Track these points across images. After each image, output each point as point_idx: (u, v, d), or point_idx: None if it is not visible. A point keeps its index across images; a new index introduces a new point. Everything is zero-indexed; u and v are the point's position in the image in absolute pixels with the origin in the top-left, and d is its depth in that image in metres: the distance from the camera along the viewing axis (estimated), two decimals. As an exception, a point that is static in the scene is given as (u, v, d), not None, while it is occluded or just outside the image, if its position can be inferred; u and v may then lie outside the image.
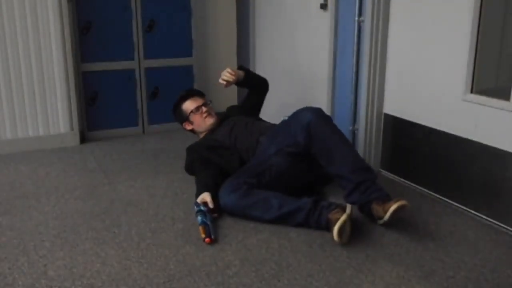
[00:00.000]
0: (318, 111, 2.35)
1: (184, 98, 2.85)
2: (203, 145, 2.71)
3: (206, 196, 2.31)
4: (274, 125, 2.72)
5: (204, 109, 2.81)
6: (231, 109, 3.02)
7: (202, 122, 2.81)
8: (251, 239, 2.09)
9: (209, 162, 2.60)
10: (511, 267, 1.89)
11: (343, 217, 2.00)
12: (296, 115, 2.40)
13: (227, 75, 2.68)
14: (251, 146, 2.58)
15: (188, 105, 2.83)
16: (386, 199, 2.12)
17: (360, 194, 2.16)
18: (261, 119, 2.94)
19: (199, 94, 2.92)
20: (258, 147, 2.56)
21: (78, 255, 1.96)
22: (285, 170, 2.40)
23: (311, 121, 2.28)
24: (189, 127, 2.87)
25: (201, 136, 2.86)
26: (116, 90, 3.66)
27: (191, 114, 2.81)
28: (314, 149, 2.30)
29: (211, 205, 2.27)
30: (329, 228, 2.09)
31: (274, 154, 2.42)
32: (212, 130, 2.80)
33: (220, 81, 2.68)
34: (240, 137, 2.63)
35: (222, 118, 2.85)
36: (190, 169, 2.73)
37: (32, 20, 3.16)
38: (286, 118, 2.51)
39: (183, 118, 2.85)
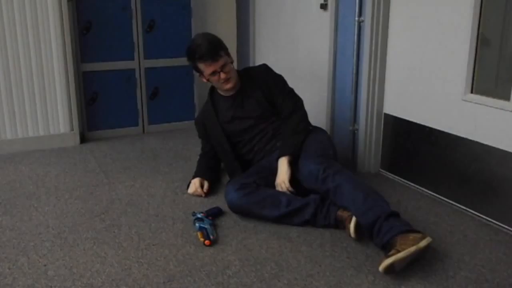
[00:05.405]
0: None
1: (198, 59, 2.41)
2: (215, 125, 2.59)
3: (196, 181, 2.58)
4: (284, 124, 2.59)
5: (222, 75, 2.42)
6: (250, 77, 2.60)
7: (219, 85, 2.51)
8: (251, 239, 2.09)
9: (210, 146, 2.70)
10: (511, 267, 1.89)
11: None
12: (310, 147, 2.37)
13: (290, 190, 2.31)
14: (261, 151, 2.56)
15: (204, 68, 2.43)
16: (393, 243, 1.85)
17: (375, 238, 1.95)
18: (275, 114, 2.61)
19: (214, 56, 2.38)
20: (270, 152, 2.52)
21: (78, 255, 1.96)
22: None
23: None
24: (204, 80, 2.52)
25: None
26: (116, 90, 3.65)
27: (207, 75, 2.46)
28: (323, 188, 2.19)
29: (201, 191, 2.54)
30: (337, 226, 2.14)
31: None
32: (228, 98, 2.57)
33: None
34: (253, 145, 2.58)
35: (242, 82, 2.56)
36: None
37: (32, 20, 3.16)
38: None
39: (198, 72, 2.50)
